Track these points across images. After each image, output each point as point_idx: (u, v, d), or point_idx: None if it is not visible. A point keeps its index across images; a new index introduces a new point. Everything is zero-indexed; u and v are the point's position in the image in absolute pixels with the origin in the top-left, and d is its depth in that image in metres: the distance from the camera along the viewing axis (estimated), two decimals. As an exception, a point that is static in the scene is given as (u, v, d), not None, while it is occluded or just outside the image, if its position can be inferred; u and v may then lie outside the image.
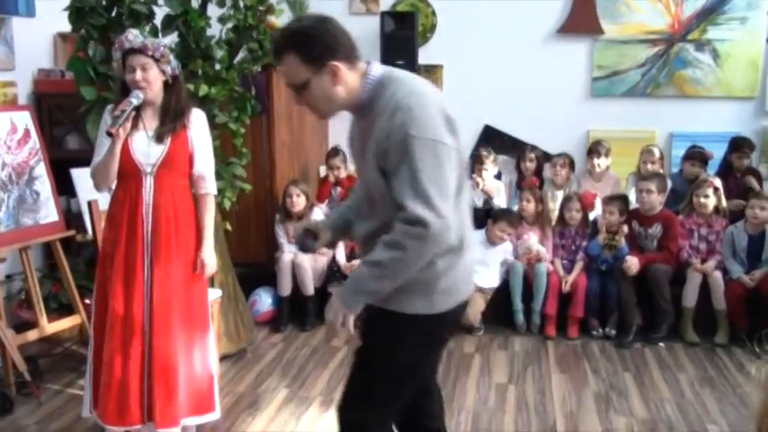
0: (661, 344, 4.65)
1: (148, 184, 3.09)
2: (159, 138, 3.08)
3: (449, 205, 2.04)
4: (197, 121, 3.19)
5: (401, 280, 2.08)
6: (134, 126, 3.06)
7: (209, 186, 3.25)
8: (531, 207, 5.00)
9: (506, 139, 5.98)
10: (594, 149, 5.44)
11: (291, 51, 2.09)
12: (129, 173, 3.09)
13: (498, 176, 5.54)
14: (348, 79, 2.12)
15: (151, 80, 3.04)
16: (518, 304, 4.86)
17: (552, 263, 4.94)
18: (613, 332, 4.75)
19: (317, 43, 2.09)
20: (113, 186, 3.18)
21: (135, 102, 3.00)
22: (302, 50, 2.08)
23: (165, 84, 3.11)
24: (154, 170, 3.09)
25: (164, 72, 3.07)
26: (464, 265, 2.22)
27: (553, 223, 5.10)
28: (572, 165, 5.46)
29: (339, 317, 2.13)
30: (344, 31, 2.16)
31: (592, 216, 5.09)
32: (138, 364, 3.05)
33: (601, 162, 5.42)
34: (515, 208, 5.19)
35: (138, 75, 3.01)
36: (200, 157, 3.18)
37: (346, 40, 2.14)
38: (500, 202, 5.33)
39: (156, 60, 3.04)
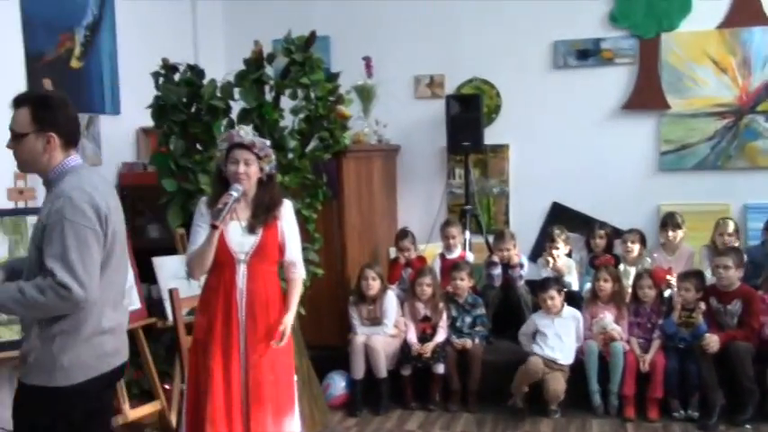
0: (747, 426, 4.47)
1: (242, 271, 3.23)
2: (251, 228, 3.24)
3: (94, 282, 2.46)
4: (287, 212, 3.35)
5: (24, 314, 2.53)
6: (228, 217, 3.21)
7: (299, 271, 3.40)
8: (608, 287, 4.93)
9: (575, 216, 5.97)
10: (669, 222, 5.39)
11: (28, 106, 2.53)
12: (224, 261, 3.23)
13: (569, 254, 5.51)
14: (55, 154, 2.56)
15: (251, 174, 3.22)
16: (594, 385, 4.76)
17: (628, 342, 4.84)
18: (696, 414, 4.59)
19: (50, 112, 2.53)
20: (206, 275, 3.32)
21: (235, 194, 3.16)
22: (36, 110, 2.52)
23: (260, 180, 3.27)
24: (247, 258, 3.23)
25: (262, 170, 3.24)
26: (92, 346, 2.55)
27: (627, 301, 5.02)
28: (643, 240, 5.40)
29: None
30: (76, 119, 2.64)
31: (667, 293, 5.00)
32: None
33: (677, 234, 5.35)
34: (587, 286, 5.14)
35: (241, 168, 3.19)
36: (290, 245, 3.34)
37: (72, 126, 2.62)
38: (571, 280, 5.29)
39: (259, 158, 3.22)
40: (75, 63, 4.81)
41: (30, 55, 4.41)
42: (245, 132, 3.26)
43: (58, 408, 2.54)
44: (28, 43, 4.40)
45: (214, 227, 3.12)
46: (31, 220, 3.86)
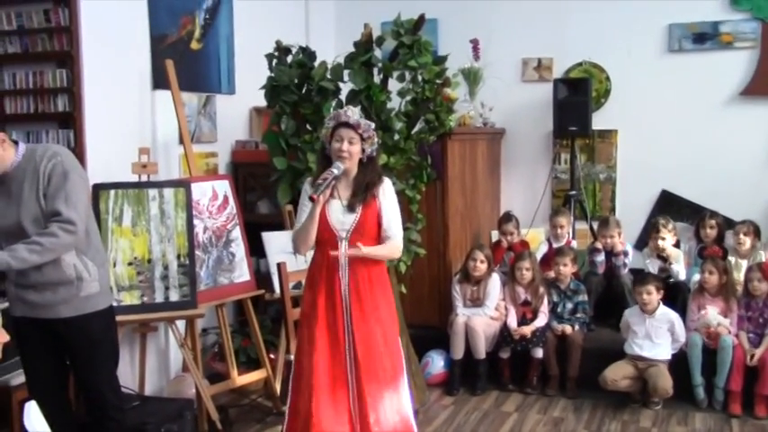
0: None
1: (344, 248, 3.34)
2: (351, 207, 3.35)
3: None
4: (386, 190, 3.42)
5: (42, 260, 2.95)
6: (330, 195, 3.33)
7: (396, 239, 3.40)
8: (714, 279, 4.77)
9: (685, 205, 5.80)
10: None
11: None
12: (327, 238, 3.35)
13: (676, 245, 5.36)
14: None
15: (353, 153, 3.31)
16: (698, 379, 4.64)
17: (737, 336, 4.69)
18: (808, 413, 4.42)
19: None
20: (312, 251, 3.44)
21: (336, 172, 3.27)
22: None
23: (361, 161, 3.37)
24: (348, 235, 3.34)
25: (364, 151, 3.34)
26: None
27: (738, 294, 4.85)
28: (757, 233, 5.19)
29: None
30: None
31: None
32: (347, 416, 3.29)
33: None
34: (696, 277, 5.00)
35: (345, 146, 3.29)
36: (388, 222, 3.40)
37: None
38: (679, 269, 5.15)
39: (363, 139, 3.32)
40: (194, 45, 5.05)
41: (154, 36, 4.66)
42: (353, 112, 3.35)
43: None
44: (153, 25, 4.65)
45: (312, 200, 3.24)
46: (153, 192, 4.11)
